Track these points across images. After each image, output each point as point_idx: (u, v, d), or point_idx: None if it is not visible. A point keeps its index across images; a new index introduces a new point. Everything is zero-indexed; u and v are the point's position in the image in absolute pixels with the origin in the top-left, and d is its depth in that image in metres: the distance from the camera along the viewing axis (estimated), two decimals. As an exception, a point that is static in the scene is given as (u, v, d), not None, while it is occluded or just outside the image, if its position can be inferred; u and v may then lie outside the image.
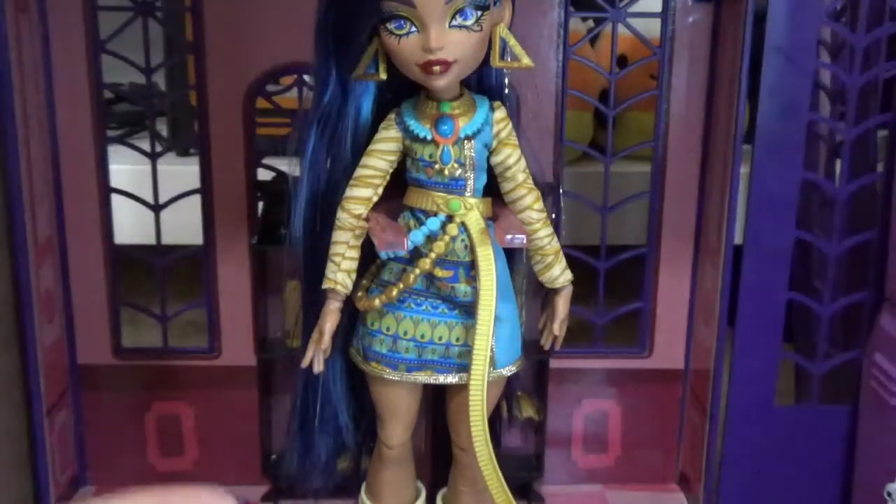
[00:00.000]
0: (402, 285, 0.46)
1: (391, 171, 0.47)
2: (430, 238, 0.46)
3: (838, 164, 0.57)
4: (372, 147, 0.46)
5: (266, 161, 0.62)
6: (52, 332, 0.59)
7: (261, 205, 0.62)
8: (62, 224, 0.61)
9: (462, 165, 0.45)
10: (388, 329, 0.48)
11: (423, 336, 0.47)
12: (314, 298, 0.48)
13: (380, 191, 0.47)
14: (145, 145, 0.61)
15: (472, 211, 0.46)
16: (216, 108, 0.60)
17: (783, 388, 0.60)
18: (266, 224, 0.60)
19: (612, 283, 0.63)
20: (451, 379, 0.48)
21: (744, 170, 0.55)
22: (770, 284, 0.56)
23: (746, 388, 0.58)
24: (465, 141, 0.45)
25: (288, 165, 0.50)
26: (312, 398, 0.51)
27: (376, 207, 0.47)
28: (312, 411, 0.51)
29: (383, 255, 0.46)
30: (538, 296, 0.54)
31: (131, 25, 0.59)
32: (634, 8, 0.59)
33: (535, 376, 0.63)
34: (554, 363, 0.63)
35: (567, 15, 0.58)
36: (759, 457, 0.59)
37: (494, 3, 0.43)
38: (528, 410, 0.61)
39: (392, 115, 0.46)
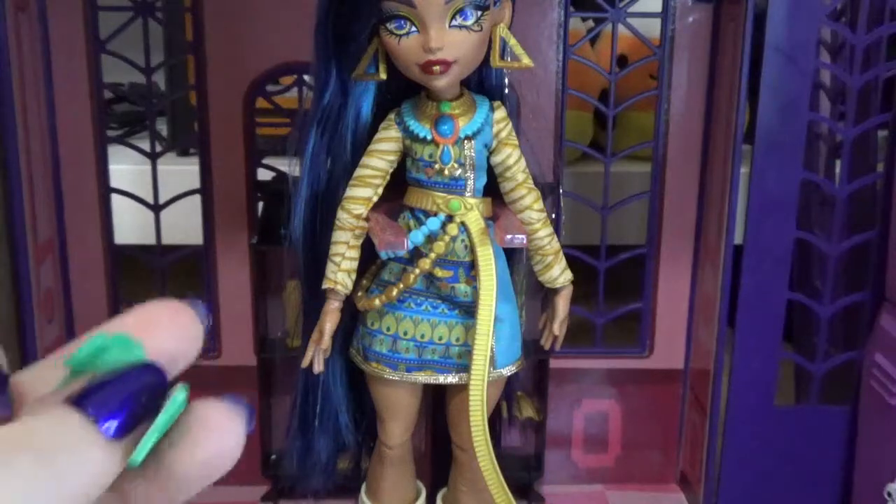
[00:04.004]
0: (402, 285, 0.46)
1: (391, 171, 0.47)
2: (430, 238, 0.46)
3: (838, 164, 0.57)
4: (372, 147, 0.46)
5: (266, 161, 0.62)
6: (52, 332, 0.59)
7: (261, 205, 0.62)
8: (62, 224, 0.61)
9: (462, 165, 0.45)
10: (388, 329, 0.48)
11: (423, 336, 0.47)
12: (314, 298, 0.48)
13: (380, 191, 0.47)
14: (145, 145, 0.61)
15: (472, 211, 0.46)
16: (216, 108, 0.60)
17: (783, 388, 0.60)
18: (266, 224, 0.60)
19: (612, 283, 0.63)
20: (451, 379, 0.48)
21: (744, 170, 0.55)
22: (770, 284, 0.56)
23: (746, 388, 0.57)
24: (465, 141, 0.45)
25: (288, 165, 0.50)
26: (312, 398, 0.51)
27: (376, 207, 0.47)
28: (312, 411, 0.51)
29: (383, 255, 0.46)
30: (538, 296, 0.54)
31: (131, 25, 0.59)
32: (634, 8, 0.59)
33: (535, 376, 0.63)
34: (554, 363, 0.63)
35: (567, 15, 0.58)
36: (759, 457, 0.59)
37: (494, 3, 0.43)
38: (528, 410, 0.61)
39: (392, 115, 0.46)
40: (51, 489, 0.16)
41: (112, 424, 0.17)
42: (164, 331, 0.20)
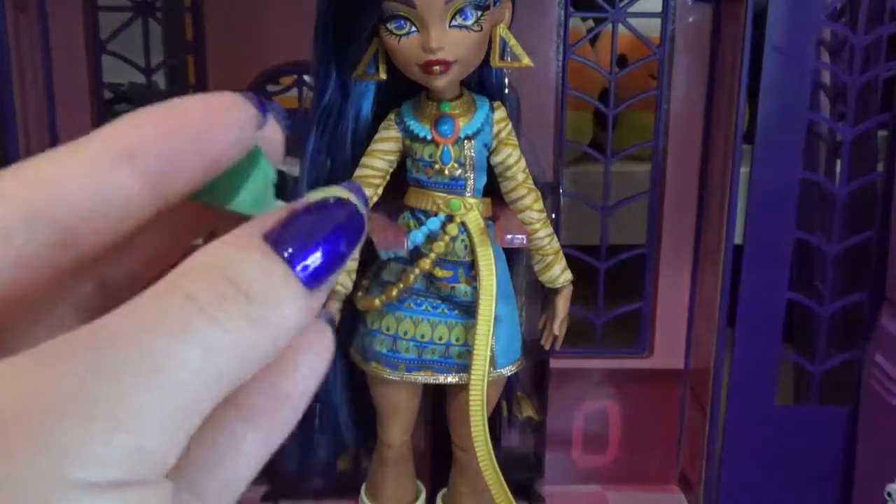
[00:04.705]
0: (402, 285, 0.46)
1: (391, 171, 0.47)
2: (430, 238, 0.46)
3: (838, 164, 0.57)
4: (372, 147, 0.46)
5: (266, 161, 0.61)
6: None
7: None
8: (62, 224, 0.60)
9: (462, 165, 0.45)
10: (388, 329, 0.48)
11: (423, 336, 0.47)
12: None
13: (380, 191, 0.47)
14: (145, 145, 0.61)
15: (472, 211, 0.46)
16: (216, 108, 0.60)
17: (783, 388, 0.60)
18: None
19: (612, 283, 0.63)
20: (451, 379, 0.48)
21: (744, 170, 0.55)
22: (770, 284, 0.56)
23: (746, 388, 0.57)
24: (465, 141, 0.45)
25: (288, 165, 0.50)
26: (312, 398, 0.51)
27: (376, 207, 0.47)
28: (312, 411, 0.51)
29: (383, 255, 0.46)
30: (538, 296, 0.54)
31: (131, 25, 0.59)
32: (634, 8, 0.59)
33: (535, 376, 0.63)
34: (554, 363, 0.63)
35: (567, 15, 0.58)
36: (759, 457, 0.59)
37: (494, 3, 0.43)
38: (528, 410, 0.61)
39: (392, 115, 0.46)
40: (259, 351, 0.15)
41: (309, 271, 0.16)
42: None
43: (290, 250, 0.16)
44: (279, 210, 0.17)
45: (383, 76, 0.45)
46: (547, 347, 0.51)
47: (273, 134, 0.18)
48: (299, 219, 0.16)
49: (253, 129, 0.17)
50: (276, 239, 0.16)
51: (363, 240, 0.17)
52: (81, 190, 0.16)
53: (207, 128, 0.17)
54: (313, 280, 0.16)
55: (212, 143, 0.17)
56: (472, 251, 0.45)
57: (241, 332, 0.15)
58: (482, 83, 0.47)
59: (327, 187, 0.18)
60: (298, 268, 0.16)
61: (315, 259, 0.16)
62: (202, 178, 0.17)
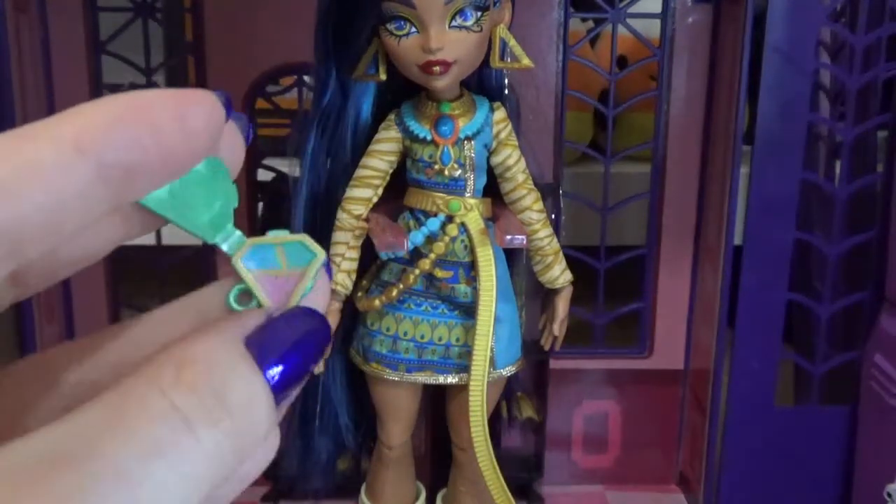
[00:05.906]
0: (401, 286, 0.46)
1: (391, 171, 0.47)
2: (430, 238, 0.46)
3: (838, 165, 0.57)
4: (372, 148, 0.46)
5: (266, 161, 0.62)
6: (52, 332, 0.59)
7: (261, 205, 0.62)
8: (62, 224, 0.60)
9: (462, 166, 0.45)
10: (387, 329, 0.48)
11: (422, 336, 0.47)
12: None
13: (380, 191, 0.47)
14: (145, 146, 0.61)
15: (471, 211, 0.46)
16: (216, 108, 0.60)
17: (783, 388, 0.60)
18: (266, 224, 0.60)
19: (612, 283, 0.63)
20: (451, 379, 0.48)
21: (744, 170, 0.55)
22: (770, 284, 0.56)
23: (746, 388, 0.57)
24: (465, 141, 0.45)
25: (288, 165, 0.50)
26: (312, 399, 0.51)
27: (376, 208, 0.47)
28: (312, 412, 0.51)
29: (383, 255, 0.46)
30: (538, 296, 0.54)
31: (131, 25, 0.59)
32: (634, 8, 0.59)
33: (535, 376, 0.63)
34: (554, 363, 0.63)
35: (567, 15, 0.58)
36: (759, 457, 0.59)
37: (494, 4, 0.43)
38: (528, 410, 0.61)
39: (392, 116, 0.46)
40: (232, 463, 0.15)
41: (277, 382, 0.16)
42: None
43: (269, 363, 0.16)
44: (256, 313, 0.16)
45: (383, 77, 0.45)
46: (547, 348, 0.51)
47: (235, 146, 0.17)
48: (277, 329, 0.16)
49: (220, 136, 0.17)
50: (258, 350, 0.16)
51: (328, 351, 0.17)
52: (39, 194, 0.14)
53: (177, 130, 0.15)
54: (280, 393, 0.16)
55: (180, 149, 0.15)
56: (472, 252, 0.45)
57: (220, 448, 0.15)
58: (482, 84, 0.47)
59: (289, 235, 0.18)
60: (271, 380, 0.16)
61: (286, 374, 0.16)
62: (160, 185, 0.16)
